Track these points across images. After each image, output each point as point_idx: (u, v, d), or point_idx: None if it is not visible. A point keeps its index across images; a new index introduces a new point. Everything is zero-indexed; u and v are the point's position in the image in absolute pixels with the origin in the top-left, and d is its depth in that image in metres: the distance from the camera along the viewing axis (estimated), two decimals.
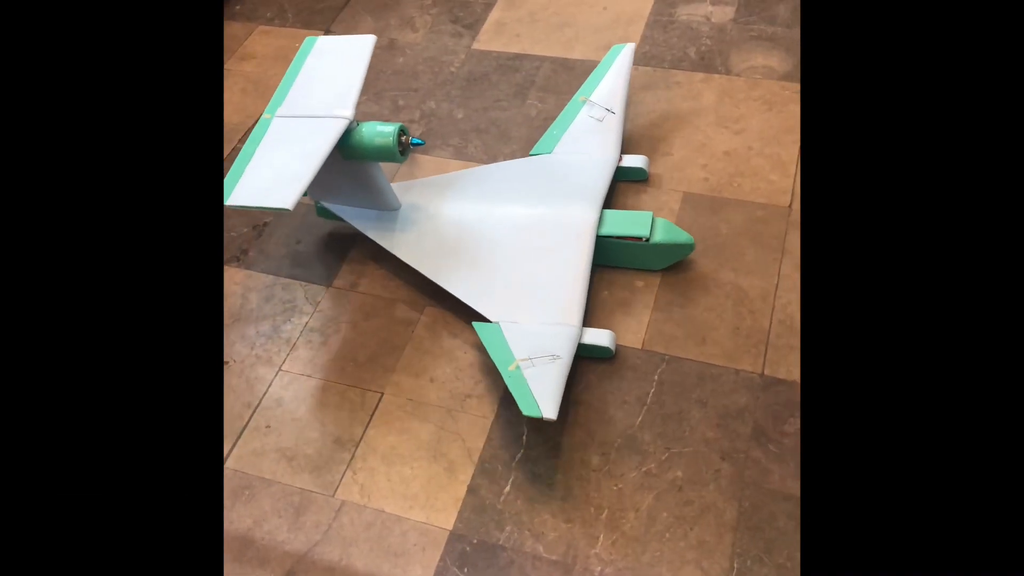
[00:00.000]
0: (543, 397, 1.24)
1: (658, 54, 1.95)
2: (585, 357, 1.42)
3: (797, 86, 1.82)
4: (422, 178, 1.70)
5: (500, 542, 1.24)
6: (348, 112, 1.42)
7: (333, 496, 1.32)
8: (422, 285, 1.57)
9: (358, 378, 1.47)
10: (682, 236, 1.49)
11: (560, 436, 1.35)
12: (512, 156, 1.78)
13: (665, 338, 1.45)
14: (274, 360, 1.51)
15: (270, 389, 1.47)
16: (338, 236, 1.70)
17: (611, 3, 2.11)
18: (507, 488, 1.30)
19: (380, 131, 1.43)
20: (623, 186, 1.69)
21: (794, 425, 1.31)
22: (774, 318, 1.44)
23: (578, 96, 1.75)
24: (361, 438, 1.39)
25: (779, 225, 1.58)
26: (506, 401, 1.40)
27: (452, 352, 1.48)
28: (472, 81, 1.97)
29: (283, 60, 2.08)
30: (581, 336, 1.38)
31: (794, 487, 1.24)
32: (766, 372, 1.38)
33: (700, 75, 1.88)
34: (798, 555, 1.18)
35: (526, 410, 1.23)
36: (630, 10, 2.08)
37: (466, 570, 1.22)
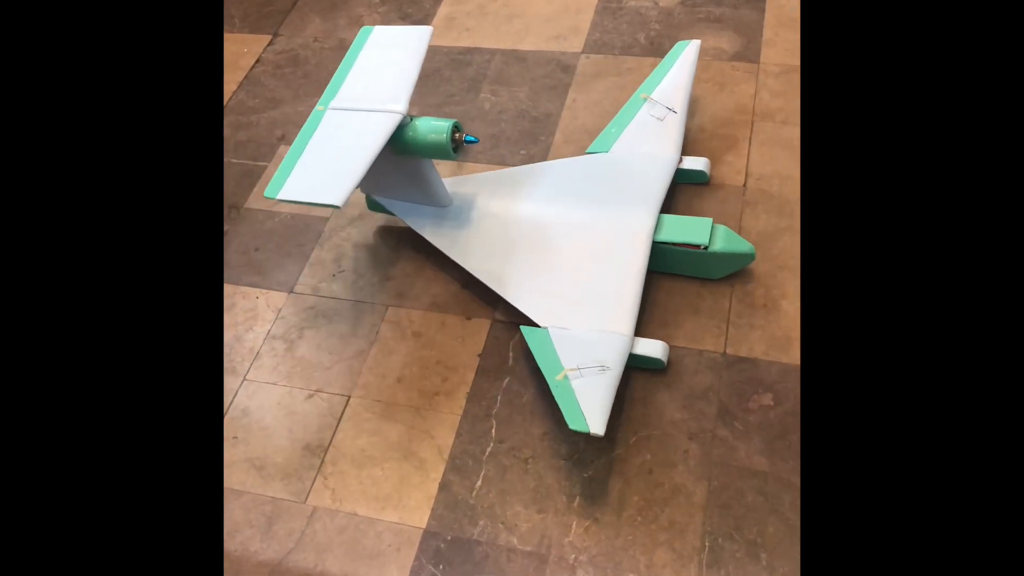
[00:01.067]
0: (591, 411, 1.21)
1: (608, 41, 1.96)
2: (634, 368, 1.38)
3: (747, 65, 1.84)
4: (476, 174, 1.65)
5: (474, 537, 1.25)
6: (401, 107, 1.38)
7: (304, 503, 1.32)
8: (383, 286, 1.57)
9: (324, 383, 1.46)
10: (743, 245, 1.43)
11: (530, 427, 1.35)
12: (468, 150, 1.78)
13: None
14: (238, 370, 1.50)
15: (236, 399, 1.46)
16: (296, 242, 1.68)
17: None
18: (479, 483, 1.30)
19: (434, 127, 1.39)
20: (682, 188, 1.64)
21: (758, 402, 1.33)
22: (733, 298, 1.46)
23: (639, 93, 1.68)
24: (330, 443, 1.38)
25: (735, 205, 1.59)
26: (475, 396, 1.40)
27: (418, 351, 1.47)
28: (424, 77, 1.96)
29: (232, 66, 2.06)
30: (633, 346, 1.34)
31: (760, 463, 1.26)
32: (728, 351, 1.39)
33: (651, 60, 1.89)
34: (768, 530, 1.20)
35: (573, 424, 1.20)
36: None
37: (441, 567, 1.23)
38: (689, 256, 1.45)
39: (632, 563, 1.19)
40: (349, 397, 1.43)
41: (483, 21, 2.08)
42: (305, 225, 1.71)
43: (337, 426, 1.40)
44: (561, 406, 1.23)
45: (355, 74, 1.47)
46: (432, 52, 2.01)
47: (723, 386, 1.35)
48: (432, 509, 1.28)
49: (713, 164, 1.66)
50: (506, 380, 1.42)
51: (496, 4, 2.12)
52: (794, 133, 1.69)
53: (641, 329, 1.43)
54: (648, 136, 1.61)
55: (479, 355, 1.45)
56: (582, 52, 1.95)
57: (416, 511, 1.29)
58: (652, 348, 1.36)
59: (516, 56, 1.97)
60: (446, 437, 1.36)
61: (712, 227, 1.44)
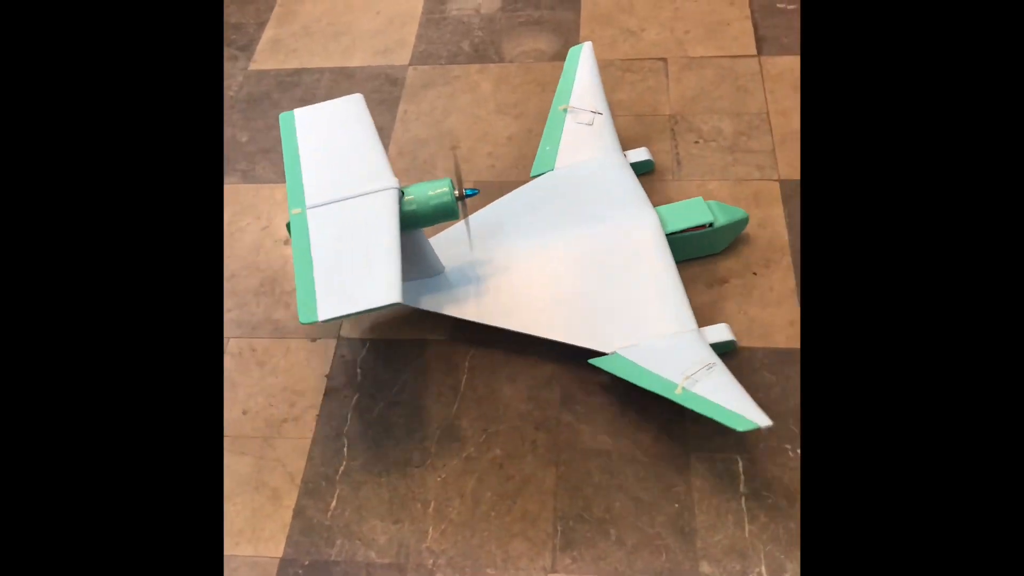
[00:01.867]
0: (745, 408, 1.17)
1: (434, 51, 1.99)
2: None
3: None
4: (441, 233, 1.53)
5: (332, 558, 1.24)
6: (393, 180, 1.28)
7: None
8: (223, 318, 1.53)
9: None
10: (738, 212, 1.47)
11: (381, 440, 1.35)
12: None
13: (471, 326, 1.48)
14: None
15: None
16: None
17: (384, 7, 2.13)
18: (333, 503, 1.29)
19: (435, 190, 1.31)
20: None
21: (597, 383, 1.38)
22: None
23: (556, 106, 1.66)
24: None
25: None
26: (324, 418, 1.39)
27: (263, 380, 1.45)
28: (252, 103, 1.93)
29: None
30: (707, 336, 1.33)
31: (603, 442, 1.31)
32: None
33: (476, 66, 1.93)
34: (615, 505, 1.24)
35: (740, 426, 1.15)
36: (403, 11, 2.10)
37: None
38: (699, 238, 1.46)
39: (489, 558, 1.21)
40: None
41: (309, 41, 2.07)
42: None
43: None
44: (710, 415, 1.19)
45: (310, 165, 1.34)
46: (259, 76, 1.99)
47: (564, 373, 1.40)
48: (288, 536, 1.26)
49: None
50: (356, 397, 1.41)
51: (321, 23, 2.11)
52: (616, 125, 1.76)
53: (473, 325, 1.45)
54: (585, 143, 1.60)
55: (327, 376, 1.44)
56: (409, 64, 1.97)
57: (271, 541, 1.26)
58: (721, 333, 1.35)
59: (345, 73, 1.97)
60: (297, 463, 1.34)
61: (706, 204, 1.47)
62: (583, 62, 1.71)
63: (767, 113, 1.72)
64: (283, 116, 1.42)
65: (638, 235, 1.44)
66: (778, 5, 1.94)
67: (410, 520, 1.26)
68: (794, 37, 1.86)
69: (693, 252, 1.49)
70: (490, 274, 1.45)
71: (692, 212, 1.46)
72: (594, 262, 1.44)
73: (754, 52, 1.85)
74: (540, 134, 1.77)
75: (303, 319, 1.15)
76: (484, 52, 1.97)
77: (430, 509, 1.27)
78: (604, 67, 1.88)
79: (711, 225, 1.45)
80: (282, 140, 1.40)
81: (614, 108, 1.79)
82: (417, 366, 1.43)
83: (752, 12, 1.94)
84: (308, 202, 1.29)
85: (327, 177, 1.32)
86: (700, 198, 1.48)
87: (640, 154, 1.64)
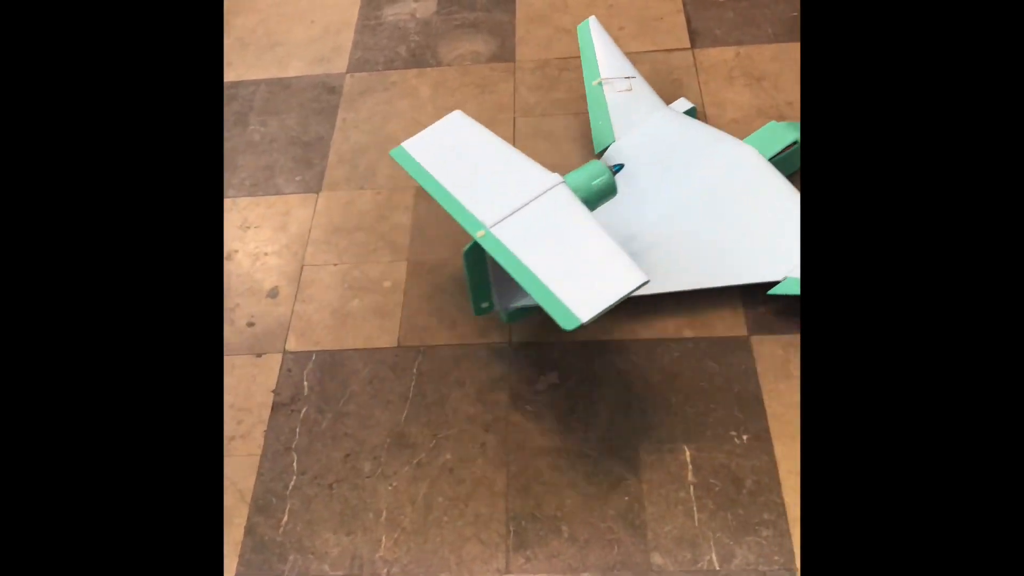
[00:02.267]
0: None
1: (371, 58, 1.98)
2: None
3: (504, 65, 1.91)
4: None
5: (285, 574, 1.22)
6: (555, 175, 1.25)
7: None
8: None
9: None
10: (795, 125, 1.55)
11: (331, 452, 1.34)
12: (241, 185, 1.74)
13: (418, 331, 1.48)
14: None
15: None
16: None
17: (319, 15, 2.11)
18: (284, 518, 1.28)
19: (594, 171, 1.31)
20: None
21: (545, 381, 1.38)
22: None
23: (589, 83, 1.68)
24: None
25: None
26: (272, 433, 1.37)
27: None
28: None
29: None
30: None
31: (553, 439, 1.31)
32: (514, 339, 1.44)
33: (414, 71, 1.93)
34: (566, 502, 1.25)
35: None
36: (338, 19, 2.09)
37: None
38: (790, 157, 1.53)
39: (443, 563, 1.21)
40: None
41: (244, 53, 2.04)
42: None
43: None
44: None
45: (459, 187, 1.27)
46: None
47: (512, 372, 1.40)
48: (240, 555, 1.25)
49: None
50: (304, 410, 1.40)
51: (256, 34, 2.09)
52: (554, 124, 1.78)
53: (420, 330, 1.45)
54: (634, 108, 1.63)
55: (273, 391, 1.43)
56: (347, 72, 1.95)
57: (224, 560, 1.24)
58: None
59: (281, 84, 1.95)
60: (247, 480, 1.33)
61: (781, 125, 1.55)
62: (595, 35, 1.74)
63: (702, 104, 1.74)
64: (394, 152, 1.35)
65: (749, 166, 1.48)
66: None
67: (363, 531, 1.25)
68: (726, 29, 1.89)
69: (786, 172, 1.52)
70: (632, 247, 1.42)
71: (778, 135, 1.53)
72: (725, 199, 1.47)
73: (688, 45, 1.87)
74: None
75: (567, 326, 1.10)
76: (421, 56, 1.96)
77: (382, 518, 1.26)
78: (541, 67, 1.89)
79: (795, 143, 1.52)
80: (410, 173, 1.32)
81: (552, 108, 1.80)
82: (365, 376, 1.43)
83: (684, 6, 1.96)
84: (486, 221, 1.22)
85: (485, 194, 1.26)
86: (772, 122, 1.56)
87: (684, 104, 1.67)
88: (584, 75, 1.72)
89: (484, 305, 1.39)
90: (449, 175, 1.29)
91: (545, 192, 1.23)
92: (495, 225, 1.21)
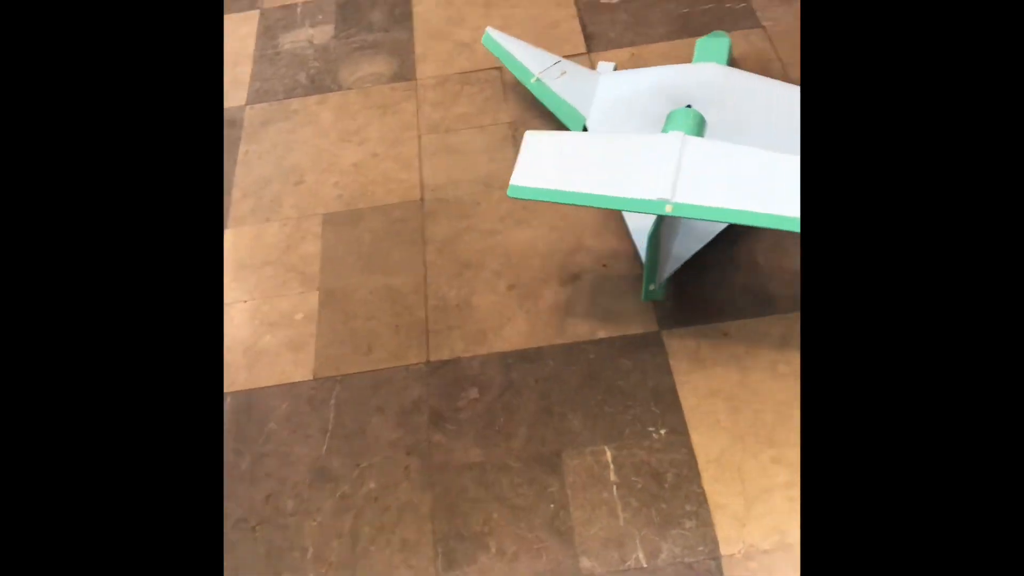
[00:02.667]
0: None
1: (271, 88, 1.96)
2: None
3: (405, 84, 1.90)
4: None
5: None
6: (675, 132, 1.36)
7: None
8: None
9: None
10: (717, 35, 1.80)
11: (252, 495, 1.31)
12: None
13: (334, 360, 1.46)
14: None
15: None
16: None
17: None
18: None
19: (685, 116, 1.47)
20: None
21: (466, 398, 1.38)
22: (428, 305, 1.51)
23: (528, 82, 1.74)
24: None
25: (416, 220, 1.64)
26: None
27: None
28: None
29: None
30: None
31: (476, 455, 1.31)
32: (431, 358, 1.44)
33: (315, 98, 1.91)
34: (493, 516, 1.24)
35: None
36: (234, 50, 2.06)
37: None
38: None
39: None
40: None
41: None
42: None
43: None
44: None
45: (608, 187, 1.30)
46: None
47: (432, 393, 1.39)
48: None
49: (388, 182, 1.71)
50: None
51: None
52: (460, 138, 1.78)
53: (336, 360, 1.44)
54: (580, 85, 1.72)
55: None
56: (246, 103, 1.93)
57: None
58: None
59: None
60: None
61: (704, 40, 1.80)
62: (503, 41, 1.82)
63: None
64: (511, 192, 1.33)
65: (722, 75, 1.65)
66: (602, 1, 1.99)
67: (290, 570, 1.23)
68: (620, 30, 1.92)
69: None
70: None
71: (713, 46, 1.75)
72: (732, 113, 1.56)
73: (584, 50, 1.89)
74: (386, 157, 1.77)
75: (794, 228, 1.21)
76: (321, 82, 1.95)
77: (308, 555, 1.24)
78: (442, 83, 1.90)
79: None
80: (549, 200, 1.33)
81: (457, 123, 1.80)
82: (282, 412, 1.40)
83: (579, 11, 1.99)
84: (664, 196, 1.26)
85: (634, 178, 1.30)
86: (700, 39, 1.79)
87: (607, 65, 1.80)
88: (518, 78, 1.77)
89: (652, 288, 1.40)
90: (586, 182, 1.31)
91: (684, 146, 1.31)
92: (675, 196, 1.25)
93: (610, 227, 1.56)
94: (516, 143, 1.72)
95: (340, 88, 1.93)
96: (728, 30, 1.86)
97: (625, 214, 1.49)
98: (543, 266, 1.52)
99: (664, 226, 1.31)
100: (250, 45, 2.07)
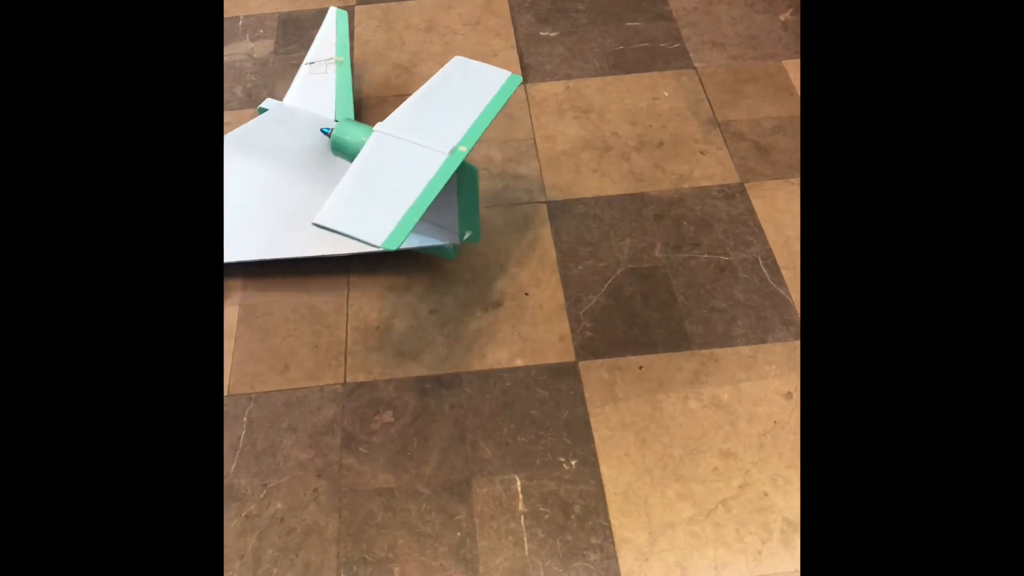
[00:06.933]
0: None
1: None
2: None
3: None
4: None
5: None
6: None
7: None
8: None
9: None
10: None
11: None
12: None
13: (249, 377, 1.44)
14: None
15: None
16: None
17: None
18: None
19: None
20: None
21: (379, 421, 1.37)
22: (349, 326, 1.50)
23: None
24: None
25: None
26: None
27: None
28: None
29: None
30: None
31: (386, 480, 1.30)
32: (348, 379, 1.43)
33: (249, 111, 1.90)
34: (398, 543, 1.24)
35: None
36: None
37: None
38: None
39: None
40: None
41: None
42: None
43: None
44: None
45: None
46: None
47: (346, 415, 1.38)
48: None
49: None
50: None
51: None
52: None
53: (251, 377, 1.42)
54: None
55: None
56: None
57: None
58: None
59: None
60: None
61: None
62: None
63: (534, 138, 1.79)
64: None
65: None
66: (541, 33, 2.03)
67: None
68: (556, 63, 1.95)
69: None
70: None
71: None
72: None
73: (520, 80, 1.92)
74: None
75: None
76: (258, 96, 1.93)
77: None
78: (379, 104, 1.90)
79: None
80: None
81: None
82: None
83: (517, 41, 2.02)
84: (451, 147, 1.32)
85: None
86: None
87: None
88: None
89: (468, 235, 1.48)
90: (402, 198, 1.27)
91: (392, 128, 1.37)
92: (448, 144, 1.33)
93: (535, 255, 1.58)
94: None
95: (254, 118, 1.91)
96: (661, 70, 1.91)
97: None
98: (466, 292, 1.53)
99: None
100: None
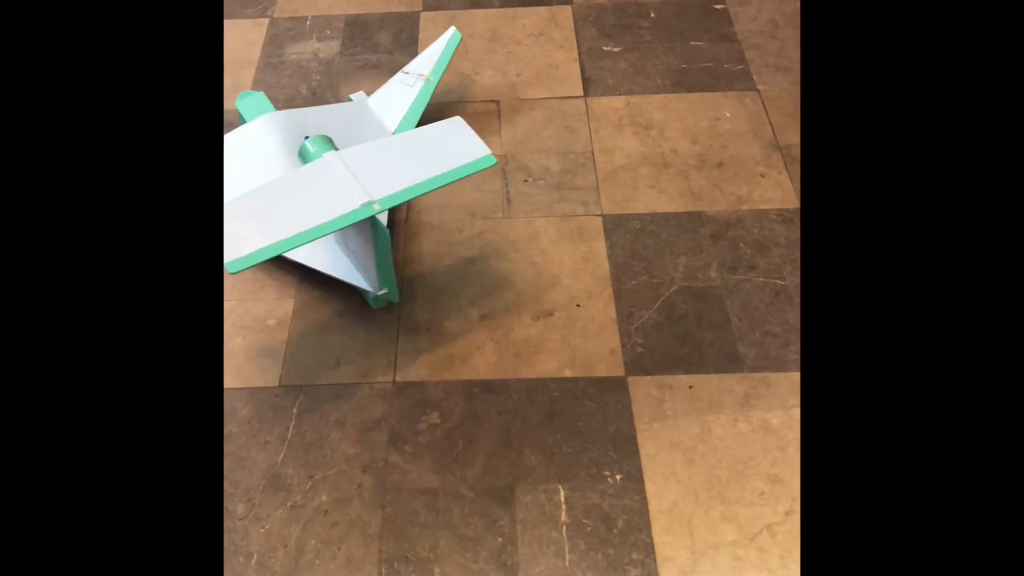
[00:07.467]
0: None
1: (271, 95, 1.97)
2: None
3: None
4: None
5: None
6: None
7: None
8: None
9: None
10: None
11: None
12: None
13: (301, 370, 1.46)
14: None
15: None
16: None
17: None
18: None
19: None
20: None
21: (426, 422, 1.38)
22: (400, 326, 1.52)
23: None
24: None
25: (398, 239, 1.66)
26: None
27: None
28: None
29: None
30: None
31: (430, 480, 1.31)
32: (397, 379, 1.44)
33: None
34: (440, 544, 1.24)
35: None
36: (240, 55, 2.08)
37: None
38: None
39: None
40: None
41: None
42: None
43: None
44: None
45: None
46: None
47: (394, 413, 1.40)
48: None
49: None
50: None
51: None
52: None
53: (303, 369, 1.44)
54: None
55: None
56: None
57: None
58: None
59: None
60: None
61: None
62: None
63: (592, 151, 1.80)
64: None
65: (296, 114, 1.71)
66: (604, 48, 2.04)
67: (232, 574, 1.22)
68: (618, 78, 1.96)
69: None
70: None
71: (254, 103, 1.78)
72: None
73: (581, 93, 1.93)
74: None
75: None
76: (322, 95, 1.97)
77: (253, 561, 1.23)
78: (441, 110, 1.93)
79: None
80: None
81: None
82: (243, 415, 1.40)
83: (580, 55, 2.03)
84: (373, 197, 1.30)
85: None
86: (238, 100, 1.80)
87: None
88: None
89: (383, 292, 1.48)
90: (291, 226, 1.26)
91: (344, 160, 1.35)
92: (373, 195, 1.29)
93: (588, 267, 1.58)
94: (506, 175, 1.75)
95: (339, 102, 1.95)
96: (724, 91, 1.91)
97: (320, 261, 1.51)
98: (517, 299, 1.54)
99: (362, 233, 1.36)
100: (256, 52, 2.09)
